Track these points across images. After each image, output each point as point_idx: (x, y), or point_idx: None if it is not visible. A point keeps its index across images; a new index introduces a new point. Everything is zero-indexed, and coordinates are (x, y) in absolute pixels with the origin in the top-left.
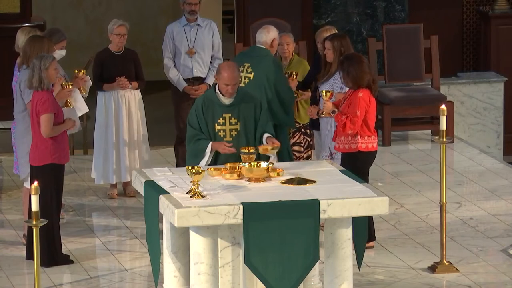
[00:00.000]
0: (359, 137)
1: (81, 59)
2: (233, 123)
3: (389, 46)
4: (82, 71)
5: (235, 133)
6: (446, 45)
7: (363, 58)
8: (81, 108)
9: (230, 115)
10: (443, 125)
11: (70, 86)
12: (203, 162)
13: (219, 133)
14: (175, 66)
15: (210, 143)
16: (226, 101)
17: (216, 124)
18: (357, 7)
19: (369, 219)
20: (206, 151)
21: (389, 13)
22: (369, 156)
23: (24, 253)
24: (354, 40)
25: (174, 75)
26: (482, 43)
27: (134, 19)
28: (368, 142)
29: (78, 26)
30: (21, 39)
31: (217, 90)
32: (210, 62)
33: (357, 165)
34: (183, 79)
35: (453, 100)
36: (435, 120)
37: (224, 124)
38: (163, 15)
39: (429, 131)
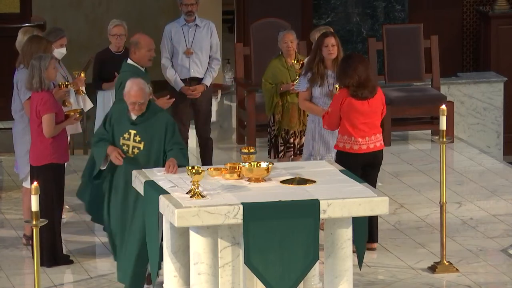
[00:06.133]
0: (339, 136)
1: (81, 59)
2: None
3: (389, 46)
4: (82, 73)
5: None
6: (446, 45)
7: (356, 62)
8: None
9: (135, 132)
10: (443, 125)
11: (69, 87)
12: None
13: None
14: (172, 66)
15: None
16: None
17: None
18: (357, 7)
19: (373, 220)
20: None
21: (389, 13)
22: (346, 157)
23: (24, 253)
24: (354, 40)
25: (171, 75)
26: (482, 43)
27: (134, 19)
28: (346, 142)
29: (78, 26)
30: (20, 39)
31: (135, 64)
32: (208, 63)
33: (341, 164)
34: (180, 79)
35: (453, 100)
36: (435, 120)
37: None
38: (163, 15)
39: (429, 131)
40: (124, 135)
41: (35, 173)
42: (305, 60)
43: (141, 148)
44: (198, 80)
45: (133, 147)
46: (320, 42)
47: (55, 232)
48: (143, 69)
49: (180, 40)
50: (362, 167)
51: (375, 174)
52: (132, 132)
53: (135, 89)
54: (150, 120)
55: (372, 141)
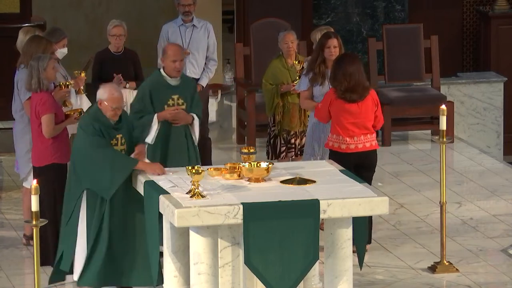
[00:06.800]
0: (329, 134)
1: (81, 59)
2: (180, 103)
3: (389, 46)
4: (82, 72)
5: (123, 153)
6: (446, 45)
7: (347, 65)
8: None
9: (177, 96)
10: (443, 125)
11: (69, 87)
12: (152, 136)
13: None
14: None
15: (156, 114)
16: (173, 82)
17: (165, 106)
18: (357, 7)
19: (369, 221)
20: (153, 123)
21: (389, 13)
22: (336, 156)
23: (24, 253)
24: (354, 40)
25: None
26: (482, 43)
27: (134, 19)
28: (334, 141)
29: (78, 26)
30: (21, 38)
31: (163, 73)
32: (205, 64)
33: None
34: None
35: (453, 100)
36: (435, 120)
37: (173, 105)
38: (163, 15)
39: (429, 131)
40: (112, 142)
41: (37, 173)
42: (306, 60)
43: (125, 149)
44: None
45: (121, 150)
46: (322, 42)
47: (58, 232)
48: (172, 80)
49: (177, 40)
50: (355, 168)
51: (370, 176)
52: (119, 136)
53: (117, 95)
54: (127, 121)
55: (361, 141)
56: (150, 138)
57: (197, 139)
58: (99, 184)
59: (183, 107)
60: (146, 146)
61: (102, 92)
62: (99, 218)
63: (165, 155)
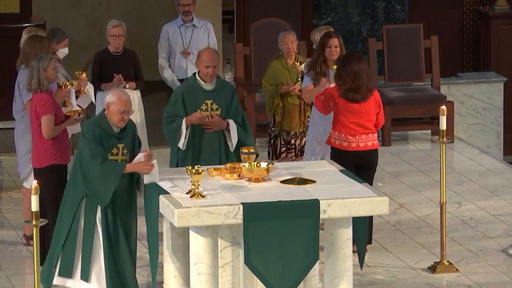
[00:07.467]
0: (331, 131)
1: (81, 59)
2: (214, 109)
3: (389, 46)
4: (83, 73)
5: (125, 163)
6: (446, 45)
7: (353, 64)
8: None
9: (211, 101)
10: (443, 125)
11: (68, 87)
12: (181, 140)
13: None
14: (169, 66)
15: (184, 119)
16: (208, 87)
17: (198, 110)
18: (357, 7)
19: (369, 222)
20: (182, 128)
21: (389, 13)
22: (337, 153)
23: (24, 253)
24: (354, 40)
25: (168, 75)
26: (482, 43)
27: (134, 19)
28: (336, 138)
29: (78, 26)
30: (24, 38)
31: (197, 77)
32: None
33: (335, 161)
34: (178, 79)
35: (453, 100)
36: (435, 120)
37: (206, 110)
38: (163, 15)
39: (429, 131)
40: (112, 151)
41: (38, 174)
42: (307, 60)
43: (127, 160)
44: None
45: (122, 160)
46: (323, 42)
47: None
48: (206, 84)
49: (177, 40)
50: (356, 167)
51: (371, 176)
52: (121, 146)
53: (125, 97)
54: (132, 131)
55: (362, 140)
56: (180, 143)
57: (234, 146)
58: (94, 192)
59: (217, 112)
60: (178, 151)
61: (111, 96)
62: (106, 222)
63: (196, 161)
